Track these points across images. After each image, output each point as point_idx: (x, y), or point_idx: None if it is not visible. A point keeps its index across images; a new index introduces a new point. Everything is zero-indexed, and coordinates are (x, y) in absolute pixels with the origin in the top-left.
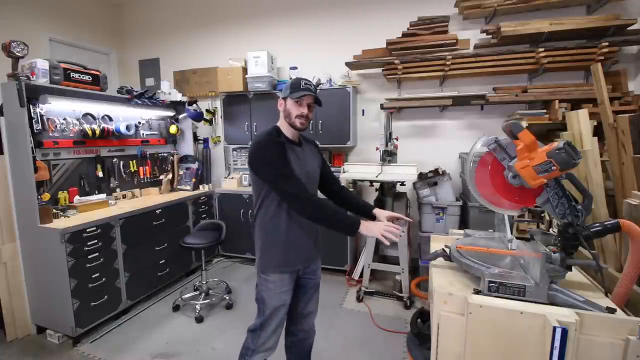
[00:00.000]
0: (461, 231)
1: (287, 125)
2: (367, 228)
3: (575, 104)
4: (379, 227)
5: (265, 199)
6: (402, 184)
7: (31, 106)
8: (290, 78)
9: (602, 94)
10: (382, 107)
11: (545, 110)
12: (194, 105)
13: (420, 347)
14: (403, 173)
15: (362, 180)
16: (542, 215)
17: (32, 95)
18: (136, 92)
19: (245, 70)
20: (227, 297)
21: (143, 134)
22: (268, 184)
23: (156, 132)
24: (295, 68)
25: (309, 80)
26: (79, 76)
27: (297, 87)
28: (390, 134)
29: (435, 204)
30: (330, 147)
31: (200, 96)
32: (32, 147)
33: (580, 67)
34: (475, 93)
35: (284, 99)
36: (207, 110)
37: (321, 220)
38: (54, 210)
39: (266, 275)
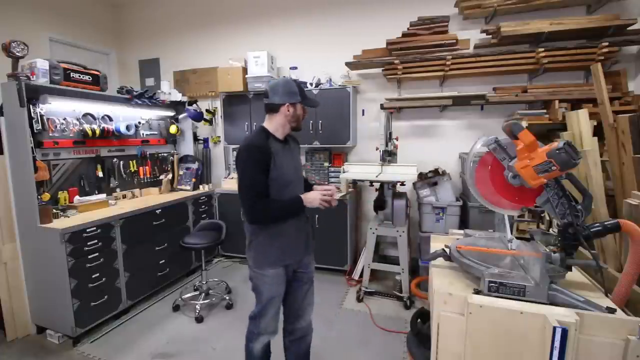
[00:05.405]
0: (461, 231)
1: (284, 126)
2: (308, 200)
3: (575, 104)
4: (316, 196)
5: None
6: (402, 184)
7: (31, 106)
8: (286, 78)
9: (602, 94)
10: (382, 107)
11: (545, 110)
12: (194, 105)
13: (420, 347)
14: (403, 173)
15: (362, 180)
16: (542, 215)
17: (32, 95)
18: (136, 92)
19: (245, 70)
20: (227, 297)
21: (143, 134)
22: (238, 188)
23: (156, 132)
24: (295, 68)
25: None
26: (79, 76)
27: (303, 93)
28: (390, 134)
29: (435, 204)
30: (330, 147)
31: (200, 96)
32: (32, 147)
33: (580, 67)
34: (475, 93)
35: (293, 104)
36: (207, 110)
37: (274, 218)
38: (54, 210)
39: (262, 270)
